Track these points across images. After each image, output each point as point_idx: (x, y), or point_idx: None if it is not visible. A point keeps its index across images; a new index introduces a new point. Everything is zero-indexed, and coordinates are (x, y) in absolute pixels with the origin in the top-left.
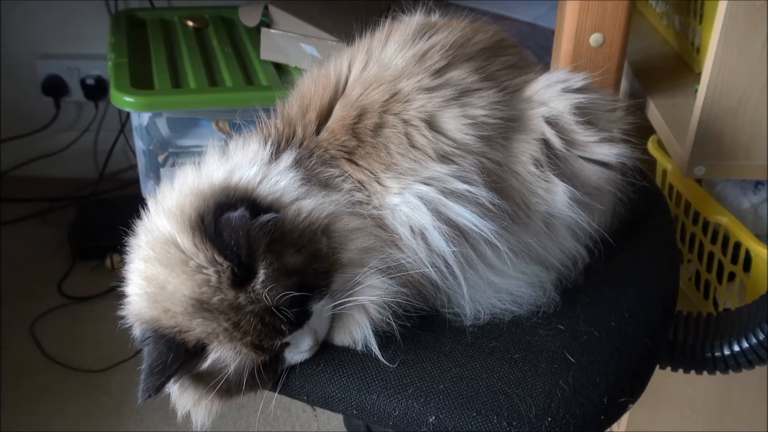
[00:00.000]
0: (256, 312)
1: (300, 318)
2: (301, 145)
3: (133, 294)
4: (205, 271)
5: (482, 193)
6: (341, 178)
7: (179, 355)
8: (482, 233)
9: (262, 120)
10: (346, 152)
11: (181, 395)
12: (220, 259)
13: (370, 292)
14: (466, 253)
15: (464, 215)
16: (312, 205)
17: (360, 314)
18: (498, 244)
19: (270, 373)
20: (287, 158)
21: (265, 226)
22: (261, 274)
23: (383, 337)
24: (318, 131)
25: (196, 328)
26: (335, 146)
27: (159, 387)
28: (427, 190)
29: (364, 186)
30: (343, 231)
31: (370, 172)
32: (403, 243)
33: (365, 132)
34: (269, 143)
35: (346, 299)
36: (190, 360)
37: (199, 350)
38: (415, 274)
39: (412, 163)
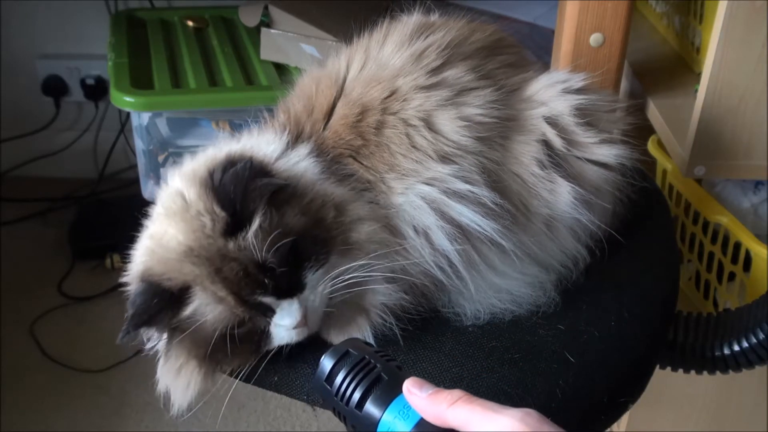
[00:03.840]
0: (241, 260)
1: (291, 285)
2: (311, 141)
3: (137, 255)
4: (202, 218)
5: (484, 193)
6: (354, 177)
7: (163, 299)
8: (485, 233)
9: (270, 117)
10: (352, 151)
11: (164, 365)
12: (217, 209)
13: (373, 297)
14: (468, 253)
15: (467, 215)
16: (330, 185)
17: (361, 317)
18: (502, 242)
19: (251, 343)
20: (304, 148)
21: (271, 183)
22: (255, 224)
23: (383, 337)
24: (323, 130)
25: (183, 272)
26: (341, 145)
27: (138, 326)
28: (430, 191)
29: (372, 186)
30: (355, 213)
31: (376, 172)
32: (408, 243)
33: (368, 131)
34: (285, 133)
35: (345, 283)
36: (173, 304)
37: (183, 295)
38: (419, 274)
39: (414, 164)
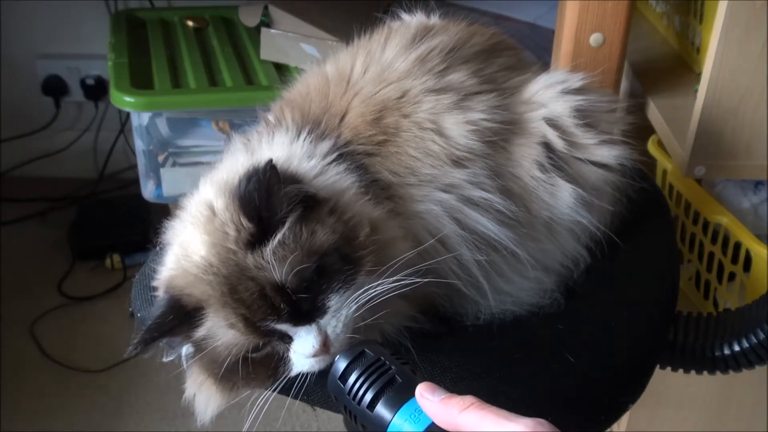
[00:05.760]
0: (258, 280)
1: (310, 310)
2: (332, 138)
3: (167, 259)
4: (226, 229)
5: (497, 200)
6: (378, 183)
7: (178, 317)
8: (501, 241)
9: (280, 115)
10: (374, 146)
11: (190, 376)
12: (243, 220)
13: (391, 318)
14: (486, 261)
15: (483, 223)
16: (366, 201)
17: (373, 333)
18: (517, 250)
19: (268, 368)
20: (327, 145)
21: (299, 192)
22: (277, 238)
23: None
24: (340, 127)
25: (200, 290)
26: (362, 141)
27: (147, 342)
28: (447, 198)
29: (393, 191)
30: (391, 232)
31: (398, 176)
32: (428, 253)
33: (389, 130)
34: (305, 133)
35: (370, 298)
36: (187, 323)
37: (197, 315)
38: (437, 284)
39: (431, 169)
